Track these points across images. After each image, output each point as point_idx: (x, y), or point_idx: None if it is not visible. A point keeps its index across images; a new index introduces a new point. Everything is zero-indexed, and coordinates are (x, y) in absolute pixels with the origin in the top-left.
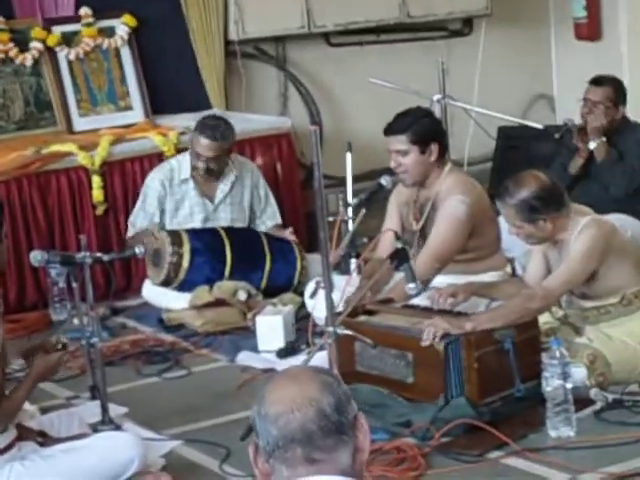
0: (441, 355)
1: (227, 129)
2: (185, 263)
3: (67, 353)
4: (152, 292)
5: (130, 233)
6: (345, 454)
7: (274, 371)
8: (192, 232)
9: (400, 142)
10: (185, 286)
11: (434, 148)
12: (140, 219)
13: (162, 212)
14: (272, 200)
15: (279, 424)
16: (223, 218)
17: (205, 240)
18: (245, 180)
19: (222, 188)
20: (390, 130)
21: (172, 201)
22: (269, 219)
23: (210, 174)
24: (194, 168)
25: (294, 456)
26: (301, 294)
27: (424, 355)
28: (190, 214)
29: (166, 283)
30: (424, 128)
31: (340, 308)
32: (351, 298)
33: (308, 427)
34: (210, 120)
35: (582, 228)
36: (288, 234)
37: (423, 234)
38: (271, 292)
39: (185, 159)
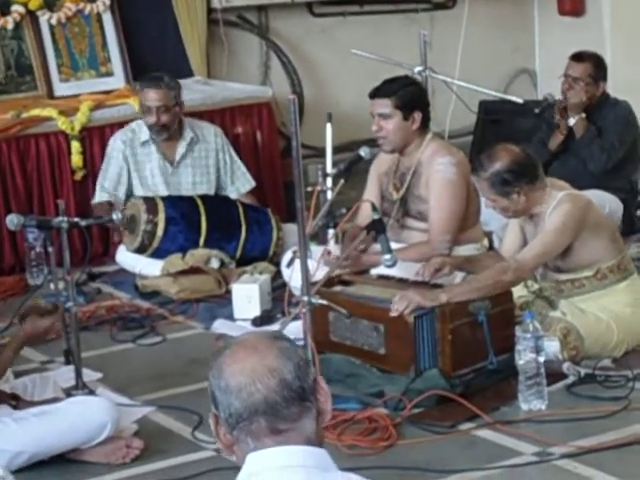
0: (410, 326)
1: (170, 80)
2: (159, 232)
3: (59, 316)
4: (126, 257)
5: (97, 198)
6: (309, 420)
7: None
8: (168, 200)
9: (384, 105)
10: (159, 254)
11: (417, 116)
12: (107, 181)
13: (128, 172)
14: (239, 163)
15: (242, 396)
16: (184, 181)
17: (181, 209)
18: (208, 143)
19: (180, 150)
20: (376, 93)
21: (133, 162)
22: (242, 185)
23: (164, 130)
24: (150, 128)
25: (259, 428)
26: (276, 264)
27: (395, 326)
28: (152, 176)
29: (140, 250)
30: (410, 95)
31: (318, 277)
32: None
33: (272, 398)
34: (151, 75)
35: (557, 202)
36: None
37: (404, 203)
38: (246, 262)
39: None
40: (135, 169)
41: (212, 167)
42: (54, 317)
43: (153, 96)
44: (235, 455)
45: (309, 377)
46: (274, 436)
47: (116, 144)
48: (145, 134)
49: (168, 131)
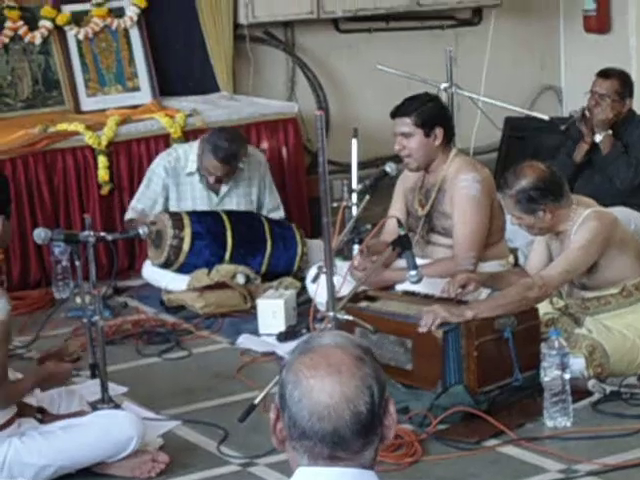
0: (439, 342)
1: (239, 147)
2: (185, 247)
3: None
4: (152, 272)
5: (128, 216)
6: (370, 451)
7: (274, 355)
8: (194, 215)
9: (405, 125)
10: (185, 269)
11: (439, 132)
12: (141, 204)
13: (166, 199)
14: (275, 193)
15: (312, 419)
16: (228, 208)
17: (207, 224)
18: (254, 172)
19: (224, 187)
20: (396, 113)
21: (175, 190)
22: (270, 213)
23: (219, 183)
24: (202, 172)
25: (320, 452)
26: (301, 279)
27: (423, 342)
28: (192, 206)
29: (166, 265)
30: (429, 112)
31: (344, 292)
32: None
33: (341, 430)
34: (222, 139)
35: (583, 220)
36: None
37: (429, 219)
38: (271, 277)
39: (192, 150)
40: (176, 197)
41: (254, 195)
42: (73, 365)
43: (217, 167)
44: (286, 452)
45: (382, 405)
46: (330, 461)
47: (158, 170)
48: (192, 166)
49: (221, 182)
